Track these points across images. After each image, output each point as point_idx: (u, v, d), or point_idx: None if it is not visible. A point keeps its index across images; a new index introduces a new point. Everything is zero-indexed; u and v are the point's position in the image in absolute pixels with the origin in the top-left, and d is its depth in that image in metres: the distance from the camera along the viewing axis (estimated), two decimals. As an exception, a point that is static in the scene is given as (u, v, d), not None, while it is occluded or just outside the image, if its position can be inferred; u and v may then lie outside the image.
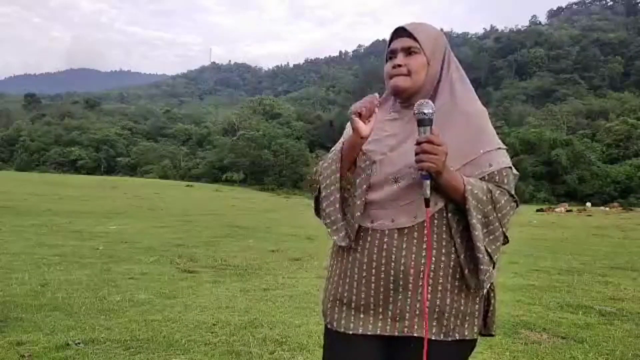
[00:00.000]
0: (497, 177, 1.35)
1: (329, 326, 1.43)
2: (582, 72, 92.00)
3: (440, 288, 1.33)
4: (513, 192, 1.36)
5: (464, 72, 1.47)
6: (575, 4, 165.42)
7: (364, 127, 1.33)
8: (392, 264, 1.32)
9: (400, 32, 1.42)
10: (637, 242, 11.77)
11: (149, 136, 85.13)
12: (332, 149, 1.50)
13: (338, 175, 1.40)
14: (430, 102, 1.28)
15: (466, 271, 1.33)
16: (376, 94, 1.39)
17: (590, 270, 7.08)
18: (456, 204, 1.31)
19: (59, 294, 4.68)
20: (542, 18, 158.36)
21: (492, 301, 1.44)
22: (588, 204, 36.72)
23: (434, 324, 1.33)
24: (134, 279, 5.60)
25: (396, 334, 1.34)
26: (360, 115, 1.32)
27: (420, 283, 1.31)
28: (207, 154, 71.29)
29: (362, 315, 1.36)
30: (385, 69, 1.44)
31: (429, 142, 1.23)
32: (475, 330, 1.39)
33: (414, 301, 1.32)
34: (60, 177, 53.33)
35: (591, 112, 70.87)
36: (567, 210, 29.54)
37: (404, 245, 1.32)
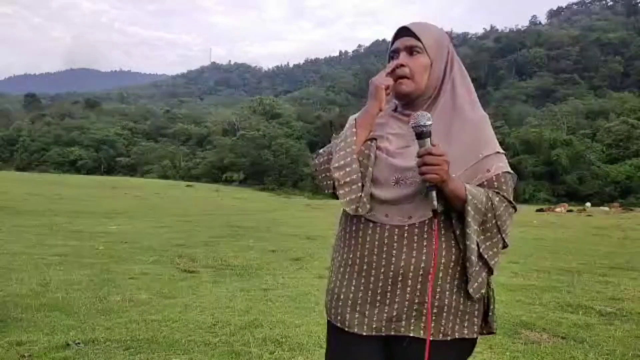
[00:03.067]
0: (495, 183, 1.35)
1: (332, 322, 1.43)
2: (582, 72, 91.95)
3: (439, 289, 1.33)
4: (511, 197, 1.36)
5: (467, 75, 1.45)
6: (575, 4, 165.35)
7: (385, 100, 1.37)
8: (385, 261, 1.32)
9: (403, 32, 1.41)
10: (637, 242, 11.75)
11: (149, 136, 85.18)
12: (326, 147, 1.49)
13: (354, 138, 1.38)
14: (427, 113, 1.28)
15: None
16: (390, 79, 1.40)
17: (590, 270, 7.08)
18: (456, 211, 1.31)
19: (59, 294, 4.67)
20: (542, 18, 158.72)
21: (492, 300, 1.45)
22: (588, 204, 36.74)
23: (432, 324, 1.33)
24: (134, 279, 5.60)
25: (392, 333, 1.34)
26: (385, 89, 1.37)
27: (419, 286, 1.31)
28: (207, 154, 71.38)
29: (357, 315, 1.36)
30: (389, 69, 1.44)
31: (430, 154, 1.24)
32: (475, 330, 1.39)
33: (412, 301, 1.32)
34: (60, 177, 53.37)
35: (591, 112, 70.77)
36: (567, 210, 29.53)
37: (404, 243, 1.32)
